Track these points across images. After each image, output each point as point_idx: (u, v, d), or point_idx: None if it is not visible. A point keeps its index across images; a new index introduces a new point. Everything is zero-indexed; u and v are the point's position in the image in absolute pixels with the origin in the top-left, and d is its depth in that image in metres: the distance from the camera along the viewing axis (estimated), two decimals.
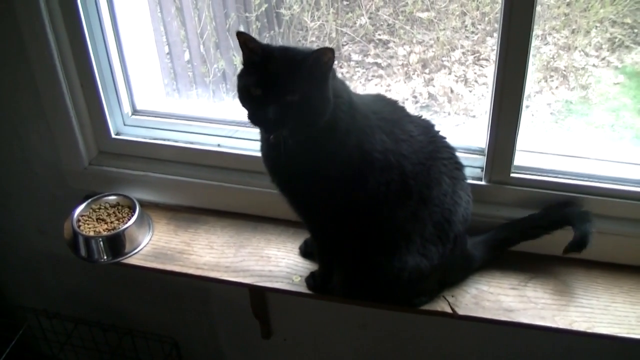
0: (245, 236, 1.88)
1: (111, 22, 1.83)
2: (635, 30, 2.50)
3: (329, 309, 2.03)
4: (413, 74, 2.67)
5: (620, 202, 1.66)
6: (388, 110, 1.52)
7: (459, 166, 1.58)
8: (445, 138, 1.59)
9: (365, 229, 1.51)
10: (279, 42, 2.63)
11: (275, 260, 1.79)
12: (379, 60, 2.71)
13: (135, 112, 1.99)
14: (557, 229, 1.63)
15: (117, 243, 1.84)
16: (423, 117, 1.59)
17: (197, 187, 1.93)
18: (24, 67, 1.85)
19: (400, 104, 1.58)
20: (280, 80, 1.35)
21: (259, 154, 1.83)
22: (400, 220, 1.48)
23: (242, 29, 2.59)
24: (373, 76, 2.67)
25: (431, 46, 2.71)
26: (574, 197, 1.67)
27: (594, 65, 2.51)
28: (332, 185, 1.47)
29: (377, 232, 1.50)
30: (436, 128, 1.59)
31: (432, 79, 2.64)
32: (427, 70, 2.67)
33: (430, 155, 1.50)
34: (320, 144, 1.42)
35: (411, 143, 1.48)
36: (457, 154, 1.61)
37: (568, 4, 2.55)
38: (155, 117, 1.98)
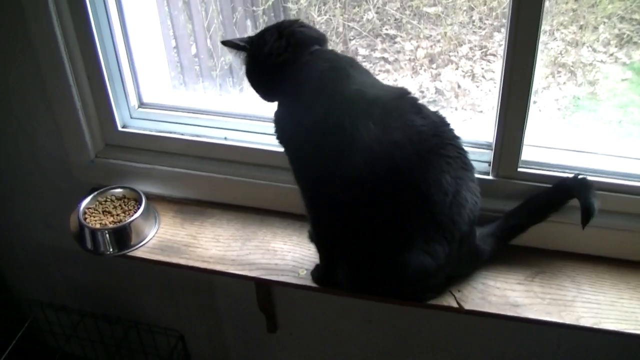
0: (251, 229, 1.88)
1: (118, 15, 1.82)
2: None
3: (335, 303, 2.02)
4: (420, 68, 2.67)
5: (628, 197, 1.65)
6: (388, 100, 1.49)
7: (466, 167, 1.52)
8: (458, 138, 1.52)
9: (360, 223, 1.48)
10: None
11: (281, 254, 1.79)
12: (386, 55, 2.71)
13: (141, 104, 1.99)
14: (563, 204, 1.62)
15: (123, 236, 1.83)
16: (439, 113, 1.54)
17: (204, 180, 1.93)
18: (30, 60, 1.85)
19: (413, 97, 1.52)
20: None
21: (266, 147, 1.85)
22: (395, 215, 1.45)
23: (249, 23, 2.59)
24: (380, 71, 2.67)
25: (438, 41, 2.71)
26: None
27: (601, 61, 2.51)
28: (306, 156, 1.51)
29: (373, 227, 1.47)
30: (450, 127, 1.52)
31: (439, 74, 2.64)
32: (434, 65, 2.67)
33: (431, 149, 1.45)
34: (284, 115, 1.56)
35: (407, 132, 1.43)
36: (467, 152, 1.55)
37: (576, 0, 2.55)
38: (161, 110, 1.98)
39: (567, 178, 1.64)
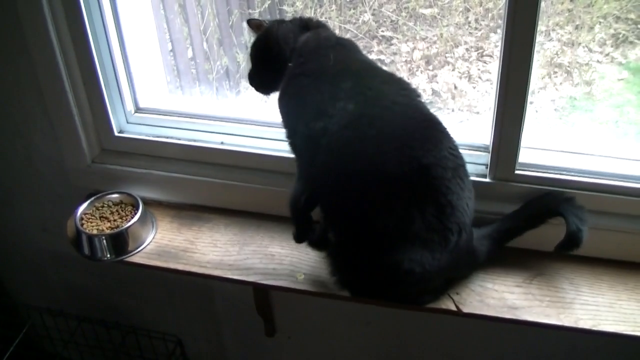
0: (249, 234, 1.88)
1: (114, 19, 1.82)
2: (639, 26, 2.49)
3: (334, 306, 2.02)
4: (417, 70, 2.67)
5: (625, 199, 1.65)
6: (389, 75, 1.57)
7: (456, 150, 1.50)
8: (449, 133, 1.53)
9: (356, 201, 1.45)
10: None
11: (279, 258, 1.79)
12: (382, 57, 2.71)
13: (138, 109, 1.99)
14: (556, 216, 1.62)
15: (120, 241, 1.83)
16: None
17: (201, 185, 1.93)
18: (27, 65, 1.85)
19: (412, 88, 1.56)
20: None
21: (263, 152, 1.85)
22: (389, 186, 1.42)
23: (245, 25, 2.58)
24: None
25: (434, 42, 2.71)
26: (579, 194, 1.66)
27: (597, 61, 2.51)
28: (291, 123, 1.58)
29: (365, 198, 1.44)
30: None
31: (436, 76, 2.64)
32: (430, 67, 2.67)
33: (426, 119, 1.48)
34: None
35: (406, 100, 1.49)
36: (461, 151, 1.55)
37: (572, 0, 2.55)
38: (158, 114, 1.98)
39: (560, 194, 1.64)
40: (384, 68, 1.69)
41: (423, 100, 1.54)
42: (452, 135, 1.52)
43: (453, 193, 1.44)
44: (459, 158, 1.49)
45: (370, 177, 1.43)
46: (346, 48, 1.59)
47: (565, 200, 1.62)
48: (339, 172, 1.46)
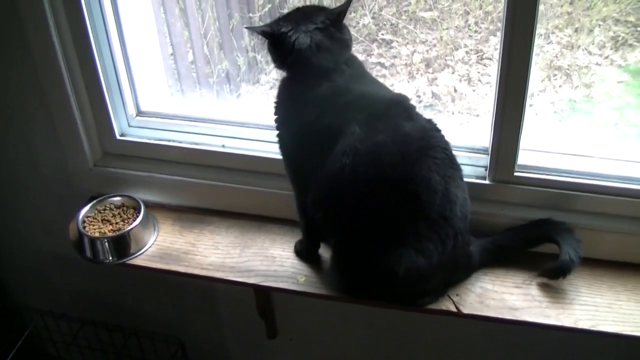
0: (250, 236, 1.89)
1: (115, 23, 1.83)
2: (639, 29, 2.50)
3: (335, 308, 2.03)
4: (416, 73, 2.68)
5: (624, 200, 1.66)
6: (379, 105, 1.53)
7: (454, 167, 1.53)
8: (448, 144, 1.54)
9: (348, 222, 1.51)
10: None
11: (280, 260, 1.79)
12: (382, 60, 2.72)
13: (139, 113, 1.99)
14: (551, 243, 1.64)
15: (122, 244, 1.84)
16: (432, 121, 1.56)
17: (202, 188, 1.93)
18: (29, 69, 1.85)
19: (406, 103, 1.54)
20: None
21: (264, 154, 1.85)
22: (383, 214, 1.47)
23: (245, 30, 2.59)
24: (376, 76, 2.67)
25: (434, 45, 2.72)
26: (578, 195, 1.67)
27: (597, 64, 2.52)
28: (296, 154, 1.60)
29: (361, 226, 1.49)
30: (440, 133, 1.55)
31: (436, 79, 2.65)
32: (430, 70, 2.68)
33: (418, 150, 1.47)
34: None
35: (392, 134, 1.47)
36: (459, 155, 1.58)
37: (571, 3, 2.56)
38: (159, 118, 1.98)
39: (561, 223, 1.66)
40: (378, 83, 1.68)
41: (409, 110, 1.54)
42: (446, 142, 1.53)
43: (445, 209, 1.48)
44: (449, 177, 1.50)
45: (361, 214, 1.49)
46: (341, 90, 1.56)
47: (565, 230, 1.64)
48: (333, 206, 1.53)
